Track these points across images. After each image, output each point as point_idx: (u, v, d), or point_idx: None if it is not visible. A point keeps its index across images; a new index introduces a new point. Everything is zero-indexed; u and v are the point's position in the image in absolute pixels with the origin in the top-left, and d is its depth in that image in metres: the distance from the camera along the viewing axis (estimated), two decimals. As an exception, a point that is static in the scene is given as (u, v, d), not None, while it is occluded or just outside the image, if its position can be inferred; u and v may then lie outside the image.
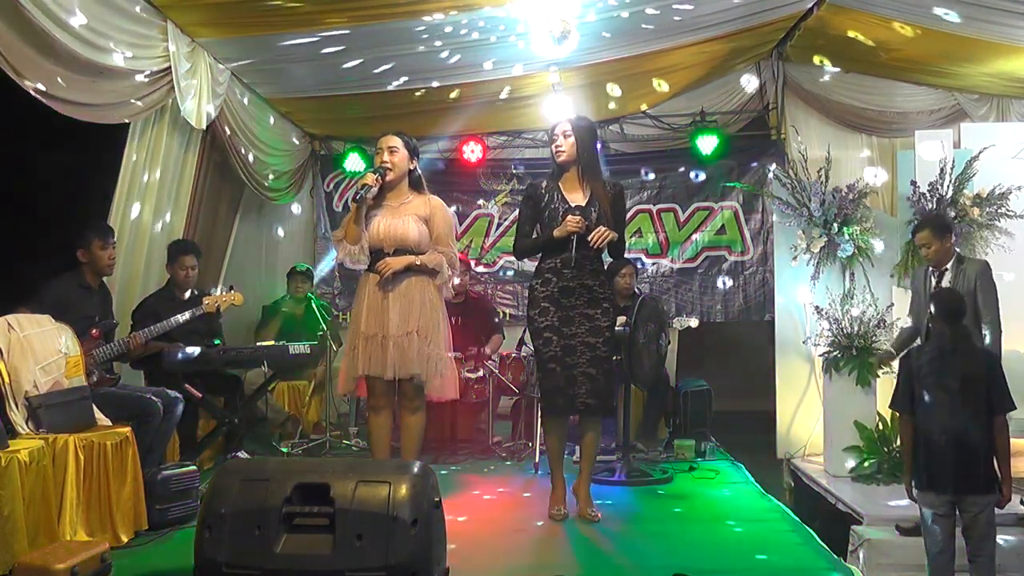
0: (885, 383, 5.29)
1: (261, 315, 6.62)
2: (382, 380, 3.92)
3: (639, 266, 7.14)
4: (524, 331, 5.42)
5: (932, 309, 3.58)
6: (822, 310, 5.43)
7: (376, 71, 5.81)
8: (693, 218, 7.39)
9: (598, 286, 3.96)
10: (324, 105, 6.59)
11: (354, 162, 7.32)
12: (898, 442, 4.91)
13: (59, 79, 3.83)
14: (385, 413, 4.04)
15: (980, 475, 3.32)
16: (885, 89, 6.85)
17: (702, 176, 7.32)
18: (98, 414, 3.83)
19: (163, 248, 5.19)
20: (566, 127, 3.98)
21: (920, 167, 5.60)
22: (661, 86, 6.96)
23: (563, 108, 6.18)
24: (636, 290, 6.16)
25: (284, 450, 5.71)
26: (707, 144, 6.99)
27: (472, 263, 7.11)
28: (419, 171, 4.14)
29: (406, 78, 6.03)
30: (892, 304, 5.48)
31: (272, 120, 6.57)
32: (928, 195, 5.46)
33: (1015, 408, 3.41)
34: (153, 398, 4.18)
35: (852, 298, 5.54)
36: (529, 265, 5.64)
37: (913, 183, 5.53)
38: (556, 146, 3.98)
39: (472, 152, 7.36)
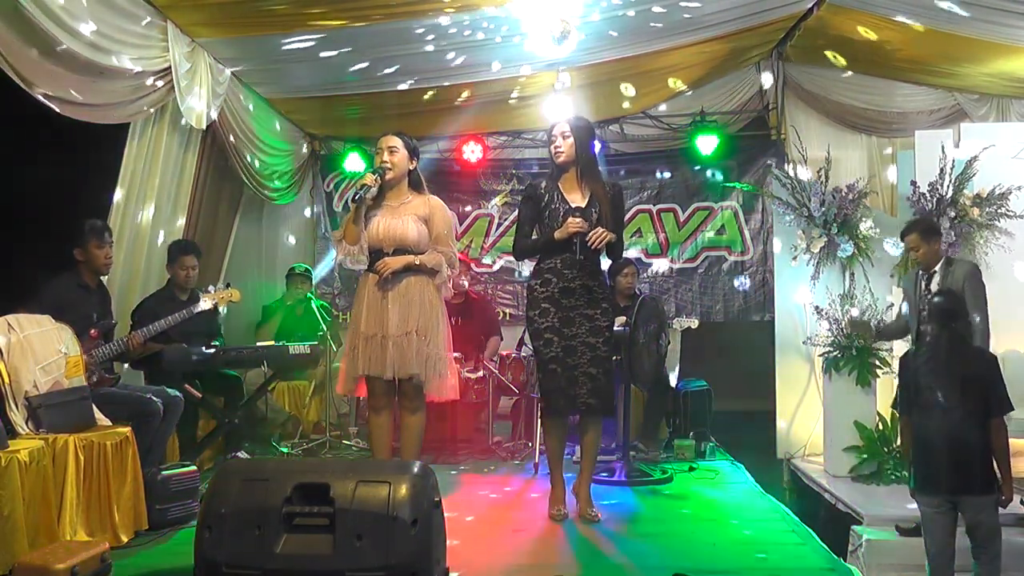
0: (885, 383, 5.31)
1: (261, 315, 6.63)
2: (382, 380, 3.93)
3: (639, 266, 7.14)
4: (524, 331, 5.42)
5: (927, 311, 3.58)
6: (822, 310, 5.44)
7: (377, 72, 5.81)
8: (693, 218, 7.39)
9: (598, 286, 3.96)
10: (324, 105, 6.59)
11: (354, 162, 7.32)
12: (898, 442, 4.92)
13: (60, 80, 3.83)
14: (385, 413, 4.04)
15: (978, 476, 3.32)
16: (885, 89, 6.85)
17: (702, 176, 7.32)
18: (98, 414, 3.83)
19: (163, 248, 5.19)
20: (564, 128, 3.97)
21: (920, 167, 5.61)
22: (676, 84, 6.95)
23: (563, 108, 6.18)
24: (636, 290, 6.16)
25: (284, 450, 5.71)
26: (707, 144, 6.99)
27: (472, 263, 7.11)
28: (419, 171, 4.15)
29: (407, 78, 6.03)
30: (892, 304, 5.49)
31: (272, 120, 6.56)
32: (928, 195, 5.46)
33: (1013, 409, 3.42)
34: (153, 398, 4.17)
35: (852, 298, 5.54)
36: (529, 265, 5.64)
37: (913, 183, 5.53)
38: (555, 147, 3.97)
39: (472, 152, 7.34)
